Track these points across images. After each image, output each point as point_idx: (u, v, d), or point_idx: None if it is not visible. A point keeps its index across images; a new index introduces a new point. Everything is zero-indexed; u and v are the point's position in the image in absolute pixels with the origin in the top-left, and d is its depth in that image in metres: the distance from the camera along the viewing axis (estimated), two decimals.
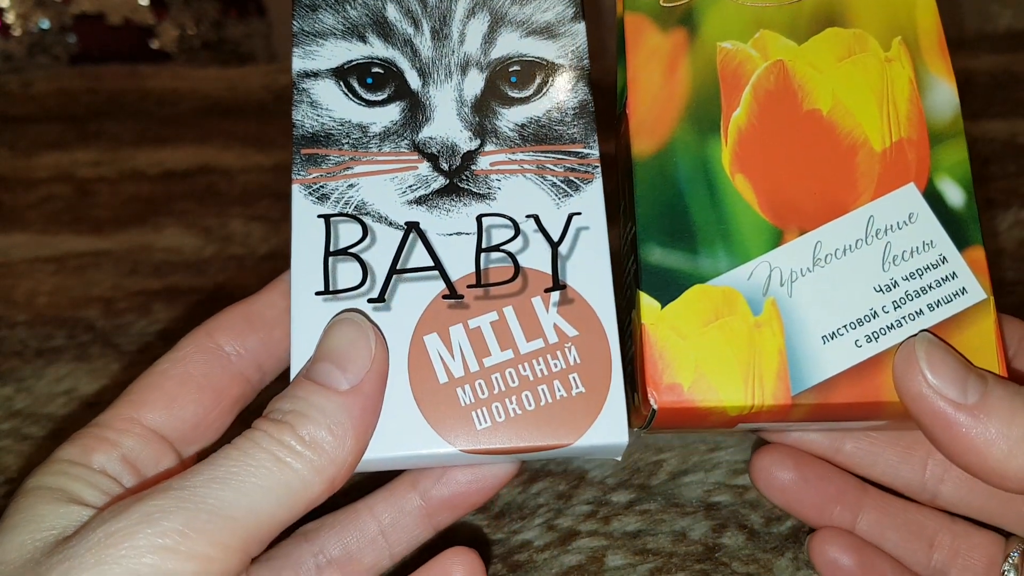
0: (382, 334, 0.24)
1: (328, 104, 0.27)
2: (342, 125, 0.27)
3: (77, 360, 0.41)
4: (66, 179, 0.53)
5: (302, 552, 0.26)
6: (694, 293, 0.24)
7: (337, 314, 0.25)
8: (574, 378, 0.25)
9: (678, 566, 0.31)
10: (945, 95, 0.25)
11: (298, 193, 0.27)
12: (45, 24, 0.67)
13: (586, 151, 0.27)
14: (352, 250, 0.26)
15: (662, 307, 0.24)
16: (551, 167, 0.27)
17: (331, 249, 0.26)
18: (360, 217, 0.26)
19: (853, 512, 0.28)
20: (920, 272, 0.24)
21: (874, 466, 0.27)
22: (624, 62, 0.26)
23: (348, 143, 0.27)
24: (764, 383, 0.23)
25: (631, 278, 0.26)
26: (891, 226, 0.24)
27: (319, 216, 0.26)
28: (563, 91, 0.27)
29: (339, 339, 0.23)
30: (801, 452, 0.28)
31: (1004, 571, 0.27)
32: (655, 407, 0.23)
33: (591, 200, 0.26)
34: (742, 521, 0.32)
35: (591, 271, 0.26)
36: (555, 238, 0.26)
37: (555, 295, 0.25)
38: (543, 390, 0.25)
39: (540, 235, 0.26)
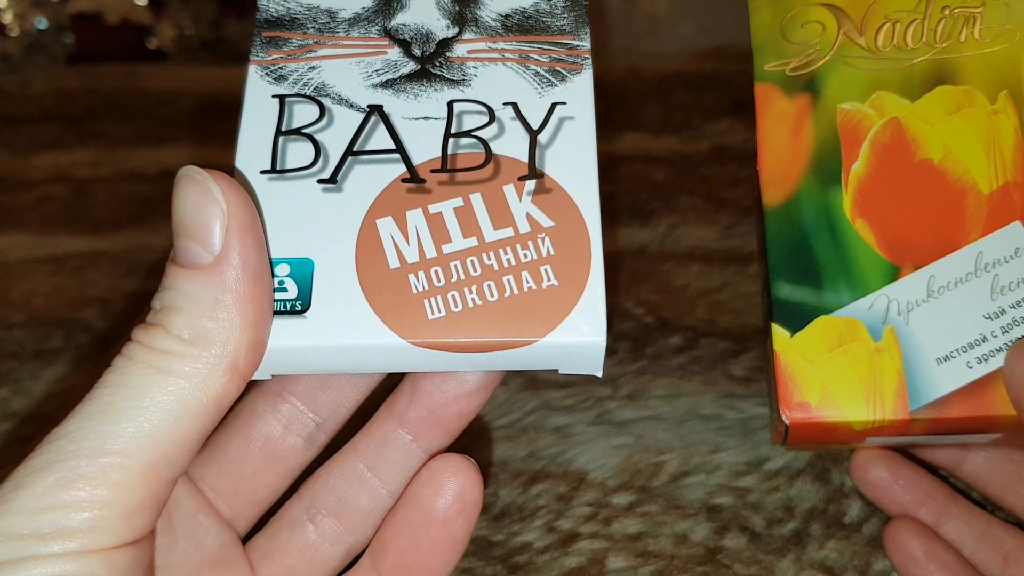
0: (232, 178, 0.21)
1: None
2: (309, 10, 0.25)
3: (75, 361, 0.41)
4: (63, 179, 0.53)
5: (295, 510, 0.25)
6: (820, 323, 0.26)
7: (177, 176, 0.21)
8: (546, 270, 0.22)
9: (679, 568, 0.31)
10: None
11: (254, 73, 0.24)
12: (43, 24, 0.66)
13: (576, 43, 0.25)
14: (306, 130, 0.24)
15: (791, 336, 0.26)
16: (536, 56, 0.24)
17: (283, 129, 0.24)
18: (318, 98, 0.24)
19: (936, 517, 0.30)
20: None
21: (988, 485, 0.30)
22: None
23: (314, 28, 0.25)
24: (884, 401, 0.25)
25: (765, 312, 0.28)
26: (999, 260, 0.26)
27: (274, 96, 0.24)
28: None
29: (184, 207, 0.20)
30: (898, 455, 0.30)
31: None
32: (787, 423, 0.25)
33: (578, 91, 0.24)
34: (744, 523, 0.32)
35: (573, 161, 0.23)
36: (534, 126, 0.23)
37: (530, 183, 0.23)
38: (509, 280, 0.22)
39: (518, 122, 0.23)
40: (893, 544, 0.30)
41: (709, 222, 0.46)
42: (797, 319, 0.26)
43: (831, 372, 0.26)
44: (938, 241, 0.27)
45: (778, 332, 0.26)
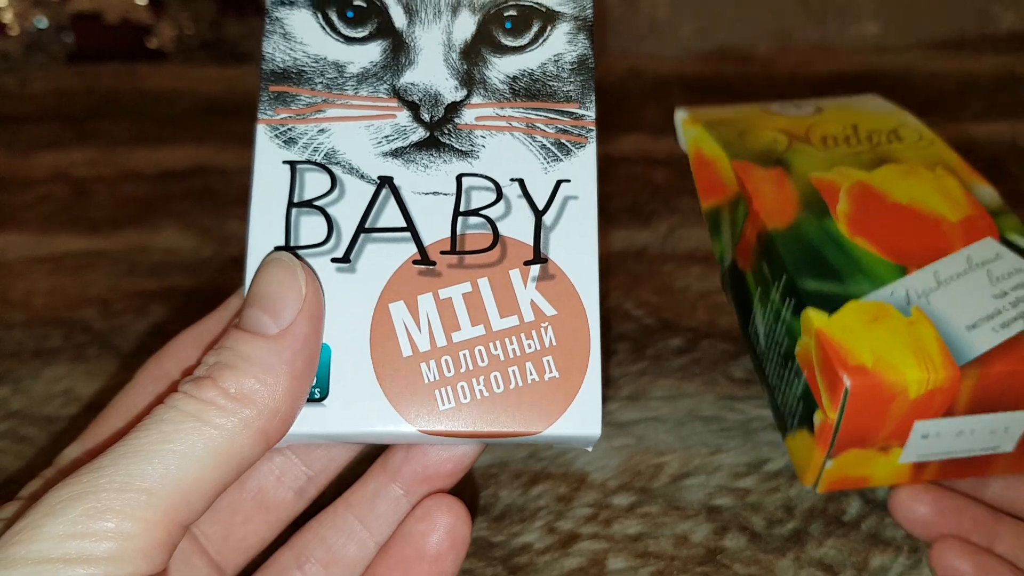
0: (313, 272, 0.23)
1: (303, 37, 0.25)
2: (317, 62, 0.25)
3: (74, 361, 0.41)
4: (63, 179, 0.53)
5: (284, 558, 0.26)
6: (851, 306, 0.28)
7: (266, 255, 0.23)
8: (548, 361, 0.23)
9: (680, 569, 0.31)
10: (987, 192, 0.32)
11: (263, 134, 0.24)
12: (42, 23, 0.66)
13: (581, 112, 0.25)
14: (318, 203, 0.24)
15: (829, 316, 0.28)
16: (542, 127, 0.25)
17: (295, 200, 0.24)
18: (329, 167, 0.24)
19: (988, 540, 0.30)
20: (1022, 284, 0.29)
21: (1012, 505, 0.30)
22: (736, 206, 0.33)
23: (322, 83, 0.25)
24: (933, 360, 0.27)
25: (783, 333, 0.30)
26: (986, 260, 0.29)
27: (284, 162, 0.24)
28: (561, 42, 0.25)
29: (267, 282, 0.22)
30: (936, 486, 0.30)
31: None
32: (848, 385, 0.26)
33: (583, 167, 0.25)
34: (744, 523, 0.32)
35: (576, 245, 0.24)
36: (540, 206, 0.24)
37: (535, 269, 0.24)
38: (514, 372, 0.23)
39: (524, 201, 0.24)
40: (942, 567, 0.29)
41: None
42: (830, 303, 0.28)
43: (876, 339, 0.27)
44: (931, 249, 0.30)
45: (815, 315, 0.28)
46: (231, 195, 0.51)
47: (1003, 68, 0.58)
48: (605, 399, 0.36)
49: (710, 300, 0.42)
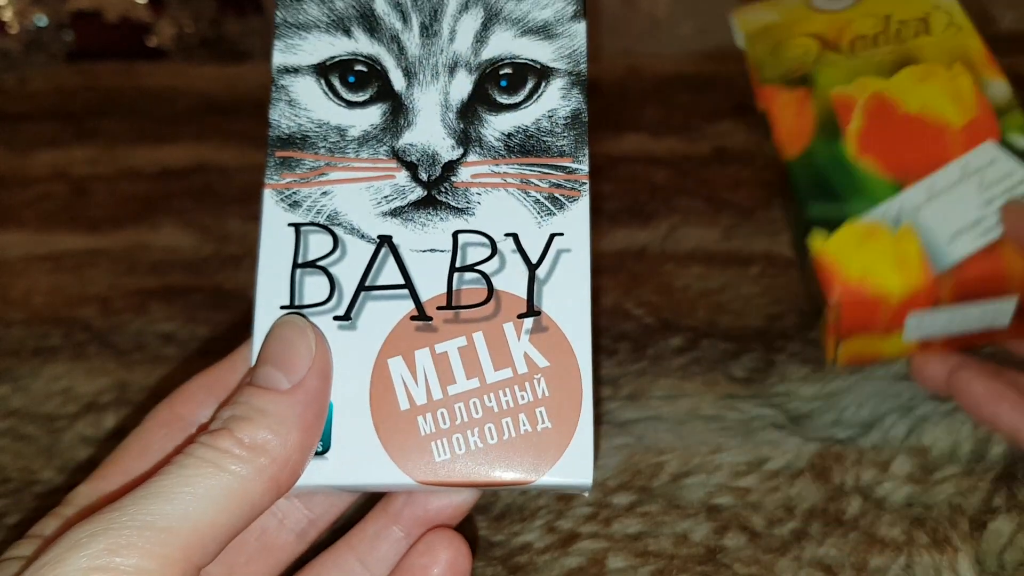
0: (322, 334, 0.24)
1: (307, 104, 0.26)
2: (320, 127, 0.26)
3: (74, 359, 0.41)
4: (62, 177, 0.53)
5: None
6: (848, 227, 0.33)
7: (278, 318, 0.24)
8: (541, 412, 0.24)
9: (680, 568, 0.31)
10: (999, 88, 0.35)
11: (269, 199, 0.26)
12: (42, 21, 0.66)
13: (574, 166, 0.26)
14: (321, 263, 0.25)
15: (827, 236, 0.33)
16: (536, 182, 0.26)
17: (299, 261, 0.25)
18: (331, 228, 0.25)
19: (1021, 412, 0.33)
20: (1010, 189, 0.33)
21: (997, 416, 0.33)
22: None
23: (325, 147, 0.26)
24: (912, 271, 0.32)
25: (801, 245, 0.35)
26: (980, 167, 0.33)
27: (289, 225, 0.25)
28: (555, 98, 0.26)
29: (279, 342, 0.24)
30: (949, 353, 0.35)
31: None
32: (836, 301, 0.32)
33: (575, 220, 0.25)
34: (744, 523, 0.32)
35: (569, 298, 0.25)
36: (533, 260, 0.25)
37: (528, 322, 0.25)
38: (507, 423, 0.24)
39: (518, 256, 0.25)
40: (959, 389, 0.33)
41: (709, 223, 0.46)
42: (830, 225, 0.33)
43: (865, 258, 0.32)
44: (930, 161, 0.34)
45: (816, 237, 0.33)
46: (231, 193, 0.51)
47: (1003, 68, 0.58)
48: (600, 412, 0.36)
49: (710, 299, 0.42)
